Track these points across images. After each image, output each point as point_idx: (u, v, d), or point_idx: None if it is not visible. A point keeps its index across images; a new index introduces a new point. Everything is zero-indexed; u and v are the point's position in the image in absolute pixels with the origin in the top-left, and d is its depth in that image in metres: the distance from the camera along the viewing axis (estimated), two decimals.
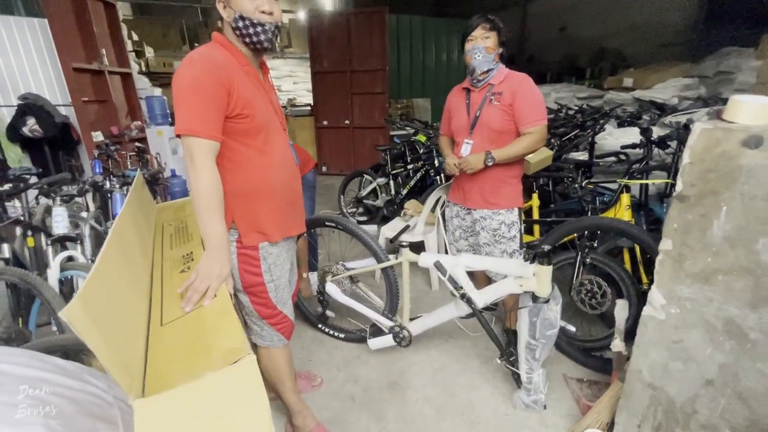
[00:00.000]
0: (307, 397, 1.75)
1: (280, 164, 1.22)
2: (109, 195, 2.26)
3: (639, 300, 1.72)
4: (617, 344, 1.55)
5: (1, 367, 0.95)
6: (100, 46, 3.70)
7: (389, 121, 4.89)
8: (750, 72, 4.03)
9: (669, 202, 2.02)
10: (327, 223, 1.94)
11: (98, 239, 2.23)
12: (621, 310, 1.57)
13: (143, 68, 5.60)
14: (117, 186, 2.23)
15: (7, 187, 1.88)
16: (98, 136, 3.53)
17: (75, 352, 1.40)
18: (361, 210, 3.84)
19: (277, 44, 1.17)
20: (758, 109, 0.92)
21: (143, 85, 4.53)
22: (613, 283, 1.81)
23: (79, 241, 1.96)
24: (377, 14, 5.12)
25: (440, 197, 2.54)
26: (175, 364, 0.80)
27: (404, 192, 3.49)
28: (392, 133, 5.34)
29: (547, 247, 1.43)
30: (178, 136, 1.05)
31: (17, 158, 3.35)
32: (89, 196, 2.28)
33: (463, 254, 1.67)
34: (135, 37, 5.83)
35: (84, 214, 2.05)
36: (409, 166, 3.58)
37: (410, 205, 2.84)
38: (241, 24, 1.08)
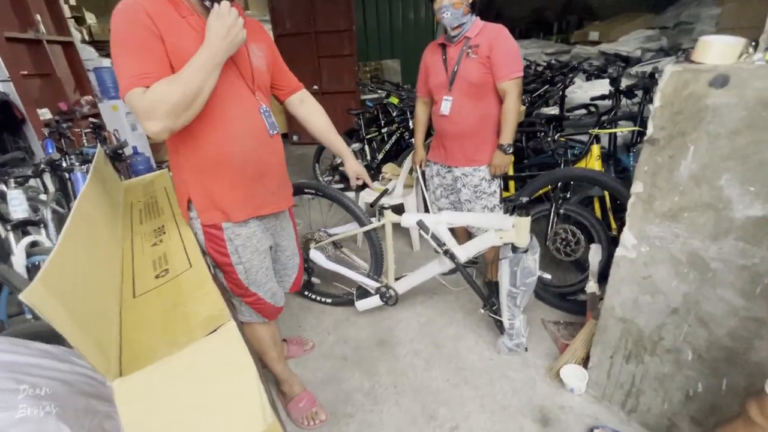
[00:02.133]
0: (299, 360, 1.79)
1: (240, 134, 1.07)
2: (68, 174, 2.12)
3: (609, 245, 1.82)
4: (591, 285, 1.66)
5: None
6: (34, 12, 3.33)
7: (360, 84, 4.75)
8: (709, 21, 4.12)
9: (636, 150, 2.13)
10: (306, 191, 1.91)
11: (62, 222, 2.11)
12: (595, 253, 1.66)
13: (86, 37, 5.10)
14: (76, 164, 2.09)
15: None
16: (45, 114, 3.25)
17: (56, 336, 1.36)
18: (337, 177, 3.79)
19: None
20: (726, 48, 0.95)
21: (89, 56, 4.15)
22: (585, 230, 1.90)
23: (42, 225, 1.85)
24: None
25: None
26: (151, 335, 0.78)
27: (380, 156, 3.47)
28: (363, 96, 5.20)
29: (525, 199, 1.48)
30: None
31: None
32: (47, 177, 2.13)
33: (445, 212, 1.70)
34: (72, 2, 5.26)
35: (43, 197, 1.92)
36: (384, 130, 3.53)
37: (388, 168, 2.83)
38: None
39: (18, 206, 1.68)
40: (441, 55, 1.78)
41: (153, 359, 0.69)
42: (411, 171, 2.60)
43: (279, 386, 1.56)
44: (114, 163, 2.39)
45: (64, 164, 2.11)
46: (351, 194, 2.99)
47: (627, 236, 1.25)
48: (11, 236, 1.66)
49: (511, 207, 1.49)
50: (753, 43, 1.03)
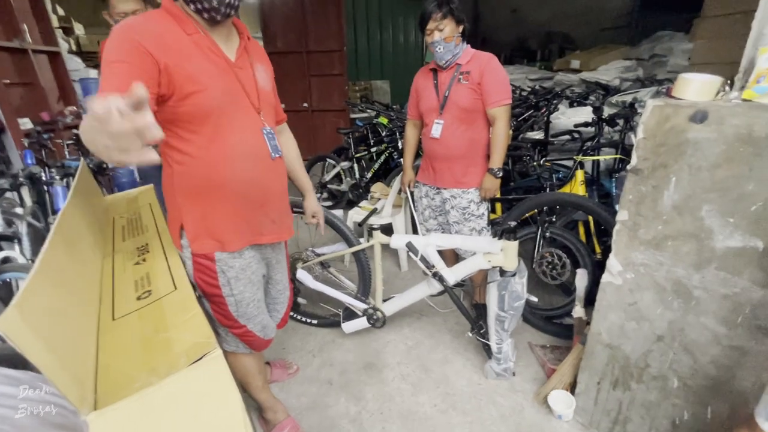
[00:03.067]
0: (283, 385, 1.74)
1: (240, 157, 1.01)
2: (47, 188, 2.05)
3: (594, 268, 1.85)
4: (578, 310, 1.67)
5: None
6: (21, 21, 3.28)
7: (350, 103, 4.81)
8: (682, 54, 4.37)
9: (618, 177, 2.20)
10: (294, 209, 1.88)
11: (37, 237, 2.03)
12: (581, 278, 1.69)
13: (73, 47, 5.05)
14: (57, 178, 2.02)
15: None
16: (27, 124, 3.16)
17: (23, 361, 1.28)
18: (325, 195, 3.78)
19: (234, 12, 0.97)
20: (703, 86, 1.00)
21: (76, 66, 4.09)
22: (570, 254, 1.93)
23: (16, 240, 1.77)
24: None
25: None
26: (130, 362, 0.73)
27: (369, 175, 3.48)
28: (353, 116, 5.25)
29: (513, 224, 1.50)
30: None
31: None
32: (24, 190, 2.05)
33: (433, 234, 1.70)
34: (61, 12, 5.22)
35: (19, 210, 1.85)
36: (373, 149, 3.56)
37: (377, 188, 2.83)
38: None
39: None
40: (432, 80, 1.82)
41: (131, 388, 0.66)
42: (400, 191, 2.61)
43: (262, 413, 1.49)
44: (97, 176, 2.33)
45: (43, 177, 2.05)
46: (339, 212, 2.99)
47: (613, 263, 1.27)
48: None
49: (500, 231, 1.50)
50: (729, 82, 1.09)
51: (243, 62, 1.04)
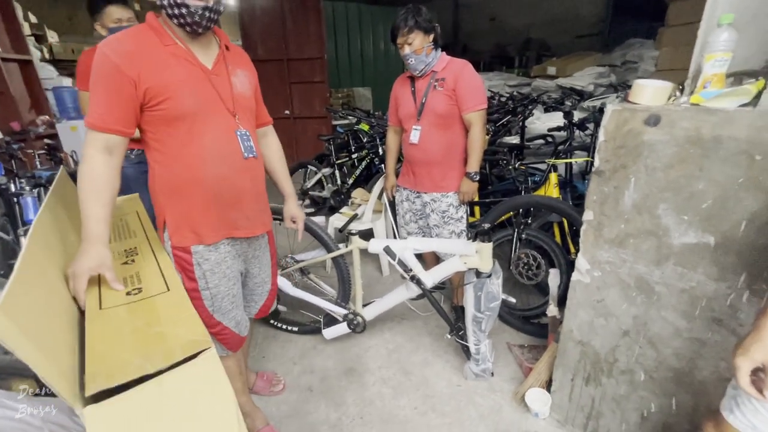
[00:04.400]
0: (263, 395, 1.72)
1: (212, 156, 1.10)
2: (16, 199, 1.99)
3: (569, 268, 1.89)
4: (551, 309, 1.71)
5: None
6: None
7: (331, 110, 4.83)
8: (651, 61, 4.55)
9: (589, 179, 2.27)
10: (273, 216, 1.88)
11: (6, 250, 1.97)
12: (554, 278, 1.73)
13: (46, 55, 4.93)
14: (27, 188, 1.97)
15: None
16: None
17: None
18: (307, 202, 3.78)
19: (211, 26, 1.06)
20: (657, 91, 1.06)
21: (48, 75, 4.00)
22: (546, 255, 1.98)
23: None
24: (311, 0, 4.98)
25: None
26: (120, 348, 0.72)
27: (350, 181, 3.49)
28: (335, 122, 5.27)
29: (487, 226, 1.53)
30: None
31: None
32: None
33: (411, 238, 1.73)
34: (33, 19, 5.10)
35: None
36: (354, 155, 3.58)
37: (357, 193, 2.85)
38: (165, 2, 1.00)
39: None
40: (410, 87, 1.86)
41: (125, 372, 0.65)
42: (380, 196, 2.63)
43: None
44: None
45: (12, 188, 1.99)
46: (321, 219, 2.99)
47: (581, 261, 1.32)
48: None
49: (474, 233, 1.53)
50: (680, 87, 1.15)
51: (219, 69, 1.12)
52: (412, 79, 1.85)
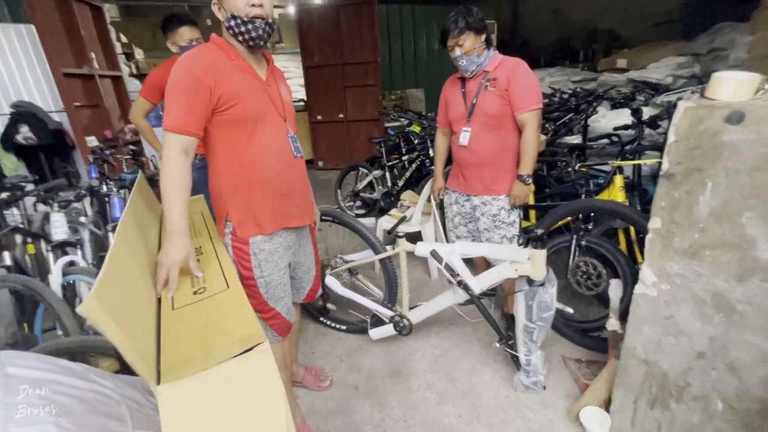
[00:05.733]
0: (311, 390, 1.78)
1: (270, 155, 1.24)
2: (106, 199, 2.27)
3: (634, 279, 1.73)
4: (612, 323, 1.58)
5: (11, 371, 0.98)
6: (89, 50, 3.68)
7: (383, 113, 4.88)
8: (743, 47, 4.01)
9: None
10: (323, 217, 1.95)
11: (98, 243, 2.25)
12: (615, 289, 1.60)
13: (134, 70, 5.56)
14: (114, 190, 2.24)
15: (4, 195, 1.90)
16: (92, 141, 3.53)
17: (81, 353, 1.43)
18: (358, 203, 3.86)
19: (268, 39, 1.21)
20: (739, 86, 0.93)
21: (134, 88, 4.50)
22: (609, 264, 1.83)
23: (78, 246, 1.98)
24: (366, 5, 5.07)
25: None
26: (189, 345, 0.81)
27: (401, 183, 3.51)
28: (387, 124, 5.33)
29: (540, 231, 1.46)
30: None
31: (13, 167, 3.35)
32: (86, 201, 2.29)
33: (459, 242, 1.69)
34: (124, 39, 5.78)
35: (83, 219, 2.07)
36: (405, 157, 3.59)
37: (406, 195, 2.85)
38: (233, 23, 1.14)
39: (59, 228, 1.81)
40: (460, 88, 1.83)
41: (190, 367, 0.73)
42: (429, 199, 2.61)
43: None
44: (152, 187, 2.55)
45: (104, 189, 2.28)
46: (371, 221, 3.03)
47: (646, 273, 1.20)
48: (51, 256, 1.79)
49: (525, 239, 1.46)
50: None
51: (270, 81, 1.29)
52: (463, 80, 1.82)
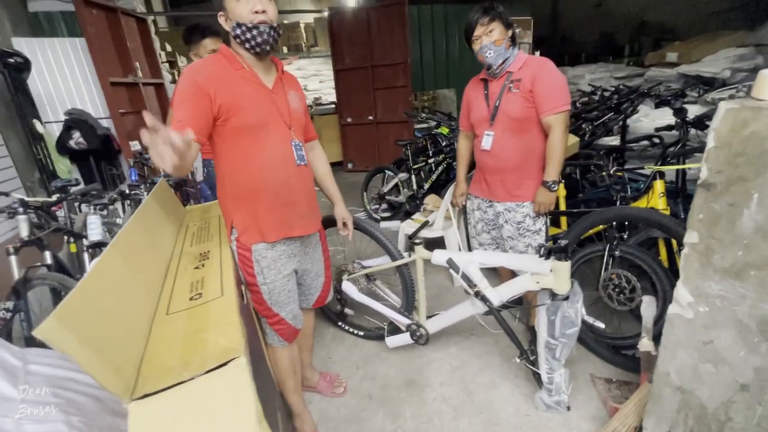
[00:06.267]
0: (324, 396, 1.77)
1: (272, 163, 1.25)
2: (140, 201, 2.39)
3: None
4: (645, 343, 1.45)
5: (32, 368, 1.04)
6: (134, 60, 3.91)
7: (410, 114, 4.83)
8: None
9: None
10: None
11: None
12: (648, 306, 1.47)
13: (175, 78, 5.86)
14: (146, 193, 2.36)
15: (54, 198, 2.04)
16: (136, 145, 3.75)
17: None
18: (384, 206, 3.83)
19: (274, 44, 1.21)
20: None
21: None
22: (646, 276, 1.68)
23: None
24: (397, 7, 5.04)
25: None
26: (171, 353, 0.81)
27: (426, 186, 3.45)
28: (416, 126, 5.27)
29: (564, 242, 1.36)
30: None
31: (67, 170, 3.64)
32: (119, 204, 2.42)
33: (477, 251, 1.62)
34: (168, 48, 6.12)
35: (119, 221, 2.19)
36: (431, 160, 3.52)
37: (429, 200, 2.79)
38: (239, 31, 1.16)
39: (95, 229, 1.93)
40: (483, 90, 1.76)
41: (166, 379, 0.73)
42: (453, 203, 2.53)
43: (292, 419, 1.55)
44: (182, 189, 2.67)
45: (140, 192, 2.40)
46: (396, 224, 2.99)
47: (682, 292, 1.09)
48: (86, 255, 1.91)
49: (545, 251, 1.37)
50: None
51: (278, 89, 1.29)
52: (486, 81, 1.75)
